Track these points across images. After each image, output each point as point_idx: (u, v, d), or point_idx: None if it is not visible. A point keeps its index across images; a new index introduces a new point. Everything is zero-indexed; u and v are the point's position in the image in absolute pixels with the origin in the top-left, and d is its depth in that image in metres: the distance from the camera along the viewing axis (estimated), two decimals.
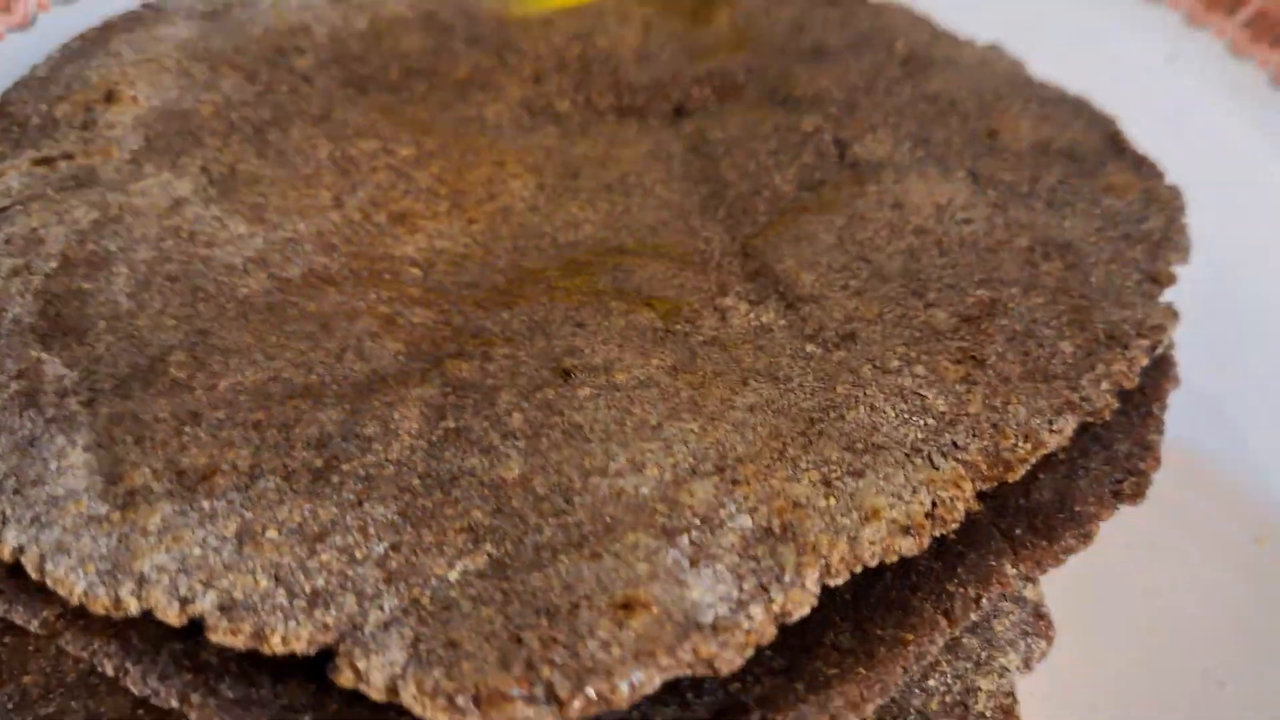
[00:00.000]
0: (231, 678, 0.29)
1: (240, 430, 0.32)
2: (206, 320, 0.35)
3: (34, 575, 0.29)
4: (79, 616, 0.31)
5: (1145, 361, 0.35)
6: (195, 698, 0.29)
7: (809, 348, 0.36)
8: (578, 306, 0.37)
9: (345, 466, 0.31)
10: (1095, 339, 0.35)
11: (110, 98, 0.44)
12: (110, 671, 0.30)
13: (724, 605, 0.28)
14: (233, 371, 0.34)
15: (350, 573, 0.29)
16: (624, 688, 0.27)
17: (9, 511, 0.30)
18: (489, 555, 0.29)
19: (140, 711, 0.33)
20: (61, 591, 0.29)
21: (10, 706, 0.33)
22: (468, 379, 0.34)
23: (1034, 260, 0.38)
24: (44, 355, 0.34)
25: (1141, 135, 0.44)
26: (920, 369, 0.34)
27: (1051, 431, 0.33)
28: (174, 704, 0.29)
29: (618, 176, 0.44)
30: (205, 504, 0.30)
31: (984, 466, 0.32)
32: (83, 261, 0.37)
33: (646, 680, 0.27)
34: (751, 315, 0.37)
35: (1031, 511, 0.33)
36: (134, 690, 0.30)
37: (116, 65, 0.46)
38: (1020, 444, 0.32)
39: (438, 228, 0.41)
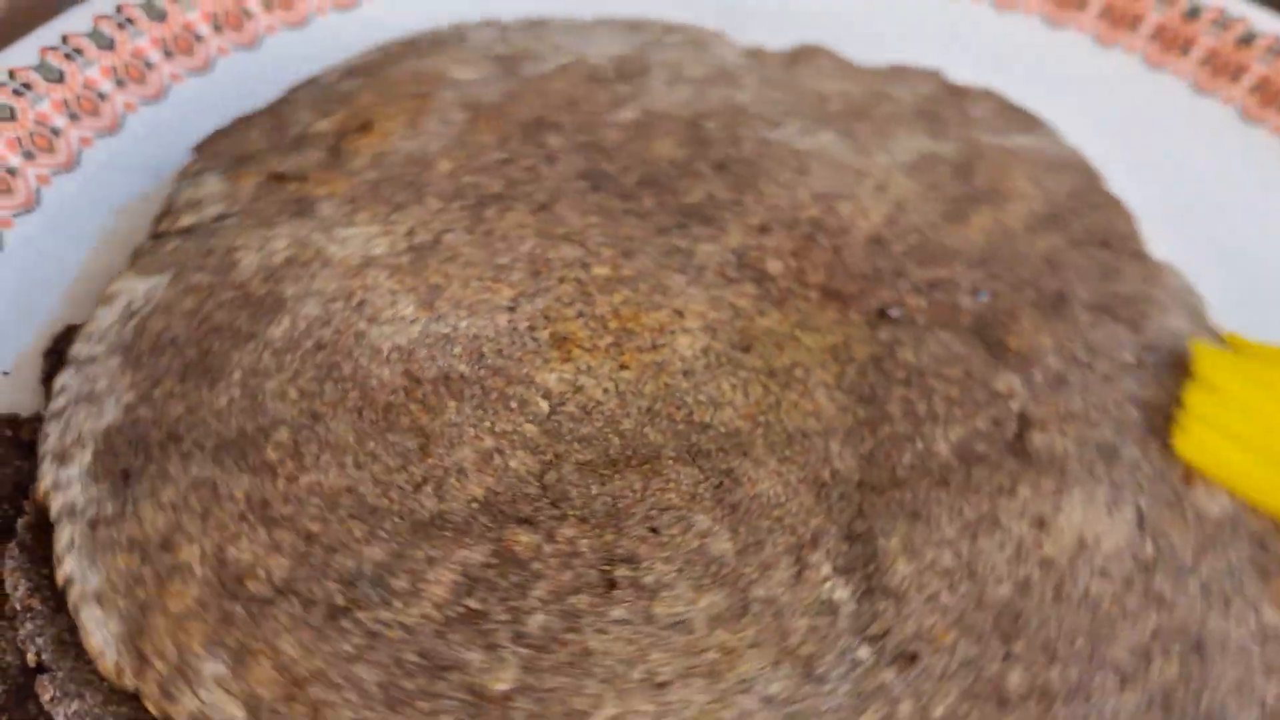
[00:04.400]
0: None
1: (292, 536, 0.34)
2: (325, 404, 0.37)
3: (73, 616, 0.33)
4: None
5: None
6: None
7: (861, 651, 0.34)
8: (663, 509, 0.36)
9: (360, 614, 0.33)
10: None
11: (365, 128, 0.47)
12: None
13: None
14: (320, 468, 0.36)
15: None
16: None
17: (76, 540, 0.34)
18: None
19: None
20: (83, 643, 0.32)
21: None
22: (518, 554, 0.34)
23: (1151, 651, 0.34)
24: (176, 388, 0.37)
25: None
26: None
27: None
28: None
29: (786, 364, 0.42)
30: (225, 605, 0.32)
31: None
32: (256, 302, 0.40)
33: None
34: (827, 585, 0.35)
35: None
36: None
37: (389, 92, 0.48)
38: None
39: (589, 362, 0.41)
